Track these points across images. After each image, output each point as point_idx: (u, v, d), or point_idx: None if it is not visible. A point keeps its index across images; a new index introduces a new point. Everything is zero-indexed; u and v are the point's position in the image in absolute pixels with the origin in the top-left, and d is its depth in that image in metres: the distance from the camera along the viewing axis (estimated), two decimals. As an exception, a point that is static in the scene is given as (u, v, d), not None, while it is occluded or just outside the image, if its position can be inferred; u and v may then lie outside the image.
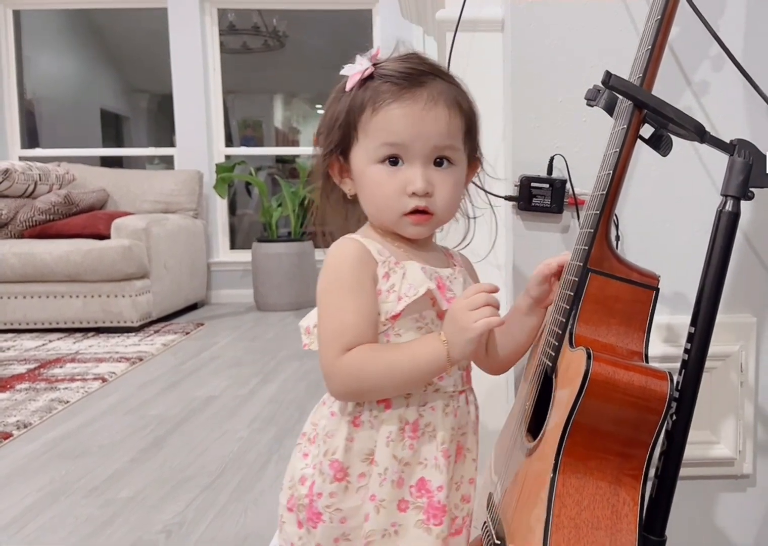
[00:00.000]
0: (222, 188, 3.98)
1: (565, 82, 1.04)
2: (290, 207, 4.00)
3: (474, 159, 0.88)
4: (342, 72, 0.81)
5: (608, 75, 0.75)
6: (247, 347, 3.23)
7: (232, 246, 4.60)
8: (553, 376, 0.79)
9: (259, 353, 3.10)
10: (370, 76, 0.79)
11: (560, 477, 0.71)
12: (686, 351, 0.80)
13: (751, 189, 0.76)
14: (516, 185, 1.05)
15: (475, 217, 0.92)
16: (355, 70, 0.79)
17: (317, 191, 0.88)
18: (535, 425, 0.84)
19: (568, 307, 0.79)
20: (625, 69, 0.99)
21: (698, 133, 0.76)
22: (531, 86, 1.04)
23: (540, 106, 1.04)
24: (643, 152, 0.88)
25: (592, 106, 0.84)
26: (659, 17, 0.76)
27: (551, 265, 0.87)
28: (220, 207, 4.48)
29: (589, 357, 0.70)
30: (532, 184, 1.03)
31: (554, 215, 1.05)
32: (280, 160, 5.75)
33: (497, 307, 0.75)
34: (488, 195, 0.96)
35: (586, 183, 1.04)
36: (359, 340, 0.77)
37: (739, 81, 0.98)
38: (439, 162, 0.80)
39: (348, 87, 0.80)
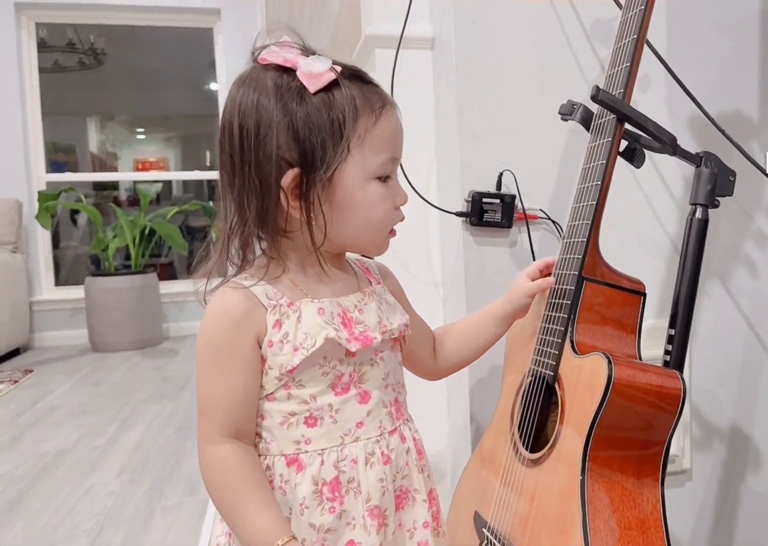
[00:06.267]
0: (45, 219, 3.57)
1: (507, 99, 1.07)
2: (129, 237, 3.69)
3: None
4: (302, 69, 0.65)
5: (597, 89, 0.78)
6: (91, 393, 2.89)
7: (57, 282, 4.12)
8: (556, 385, 0.80)
9: (108, 399, 2.79)
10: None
11: (589, 482, 0.71)
12: (667, 352, 0.84)
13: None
14: (467, 201, 1.05)
15: None
16: (318, 68, 0.65)
17: (239, 218, 0.69)
18: (528, 435, 0.84)
19: (564, 316, 0.80)
20: (565, 87, 1.05)
21: (672, 146, 0.82)
22: (474, 104, 1.06)
23: (485, 124, 1.06)
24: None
25: (566, 120, 0.87)
26: (635, 37, 0.80)
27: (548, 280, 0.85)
28: (42, 239, 4.01)
29: (609, 361, 0.71)
30: (484, 200, 1.04)
31: (504, 230, 1.07)
32: (100, 187, 5.31)
33: None
34: (435, 211, 0.94)
35: (532, 198, 1.08)
36: (229, 419, 0.68)
37: (663, 100, 1.08)
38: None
39: (313, 88, 0.65)
